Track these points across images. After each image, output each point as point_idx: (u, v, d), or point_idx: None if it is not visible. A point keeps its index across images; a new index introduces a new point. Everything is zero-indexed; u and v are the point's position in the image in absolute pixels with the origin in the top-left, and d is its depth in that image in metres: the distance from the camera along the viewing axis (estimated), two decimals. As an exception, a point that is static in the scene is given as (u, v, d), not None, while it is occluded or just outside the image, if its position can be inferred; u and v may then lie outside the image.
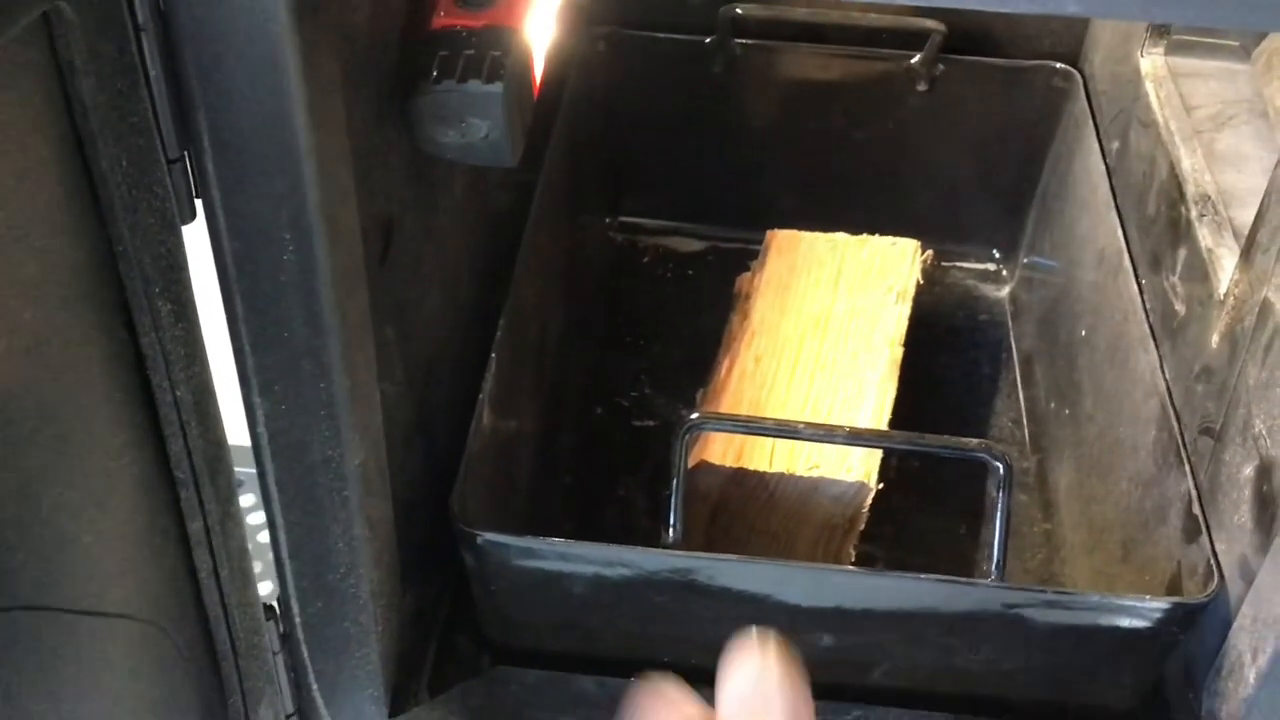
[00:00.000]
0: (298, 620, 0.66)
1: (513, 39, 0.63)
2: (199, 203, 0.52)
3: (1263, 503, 0.65)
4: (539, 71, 0.68)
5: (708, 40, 1.11)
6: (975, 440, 0.72)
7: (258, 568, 0.66)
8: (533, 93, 0.66)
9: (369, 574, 0.64)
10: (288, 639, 0.67)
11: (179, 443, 0.55)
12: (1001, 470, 0.69)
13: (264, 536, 0.64)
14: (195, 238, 0.53)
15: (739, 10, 1.08)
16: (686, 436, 0.72)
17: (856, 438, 0.78)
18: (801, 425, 0.72)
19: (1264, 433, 0.66)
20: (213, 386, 0.55)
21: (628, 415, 1.03)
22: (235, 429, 0.59)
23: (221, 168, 0.51)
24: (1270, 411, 0.65)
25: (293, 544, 0.63)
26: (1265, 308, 0.67)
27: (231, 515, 0.59)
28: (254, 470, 0.60)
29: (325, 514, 0.61)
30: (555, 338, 1.00)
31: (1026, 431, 1.03)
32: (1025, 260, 1.14)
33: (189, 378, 0.53)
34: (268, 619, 0.66)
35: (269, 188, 0.51)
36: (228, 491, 0.58)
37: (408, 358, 0.69)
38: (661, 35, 1.11)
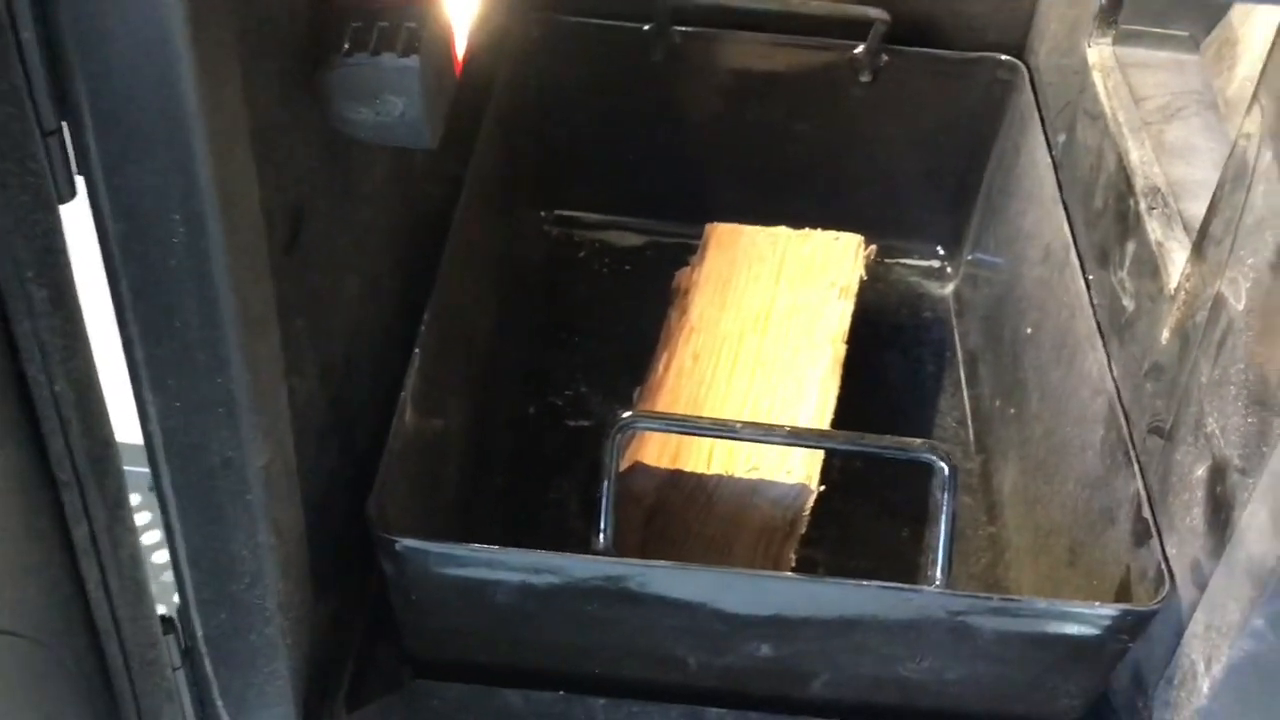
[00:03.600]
0: (199, 634, 0.62)
1: (431, 11, 0.59)
2: (79, 180, 0.47)
3: (1216, 504, 0.62)
4: (461, 48, 0.64)
5: (646, 28, 1.07)
6: (919, 440, 0.69)
7: (165, 578, 0.61)
8: (454, 69, 0.62)
9: (276, 584, 0.60)
10: (189, 654, 0.63)
11: (59, 441, 0.50)
12: (946, 471, 0.66)
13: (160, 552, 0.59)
14: (77, 218, 0.49)
15: (678, -4, 1.05)
16: (619, 436, 0.69)
17: (797, 437, 0.75)
18: (739, 425, 0.69)
19: (1217, 431, 0.63)
20: (97, 380, 0.51)
21: (562, 414, 0.99)
22: (128, 427, 0.55)
23: (104, 141, 0.46)
24: (1223, 409, 0.63)
25: (192, 552, 0.59)
26: (1218, 302, 0.65)
27: (121, 520, 0.55)
28: (146, 471, 0.56)
29: (227, 520, 0.57)
30: (486, 334, 0.96)
31: (971, 431, 1.00)
32: (969, 257, 1.12)
33: (69, 371, 0.49)
34: (166, 633, 0.61)
35: (156, 163, 0.47)
36: (116, 494, 0.54)
37: (321, 352, 0.65)
38: (599, 22, 1.08)
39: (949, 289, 1.13)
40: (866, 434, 0.71)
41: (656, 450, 0.80)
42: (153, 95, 0.45)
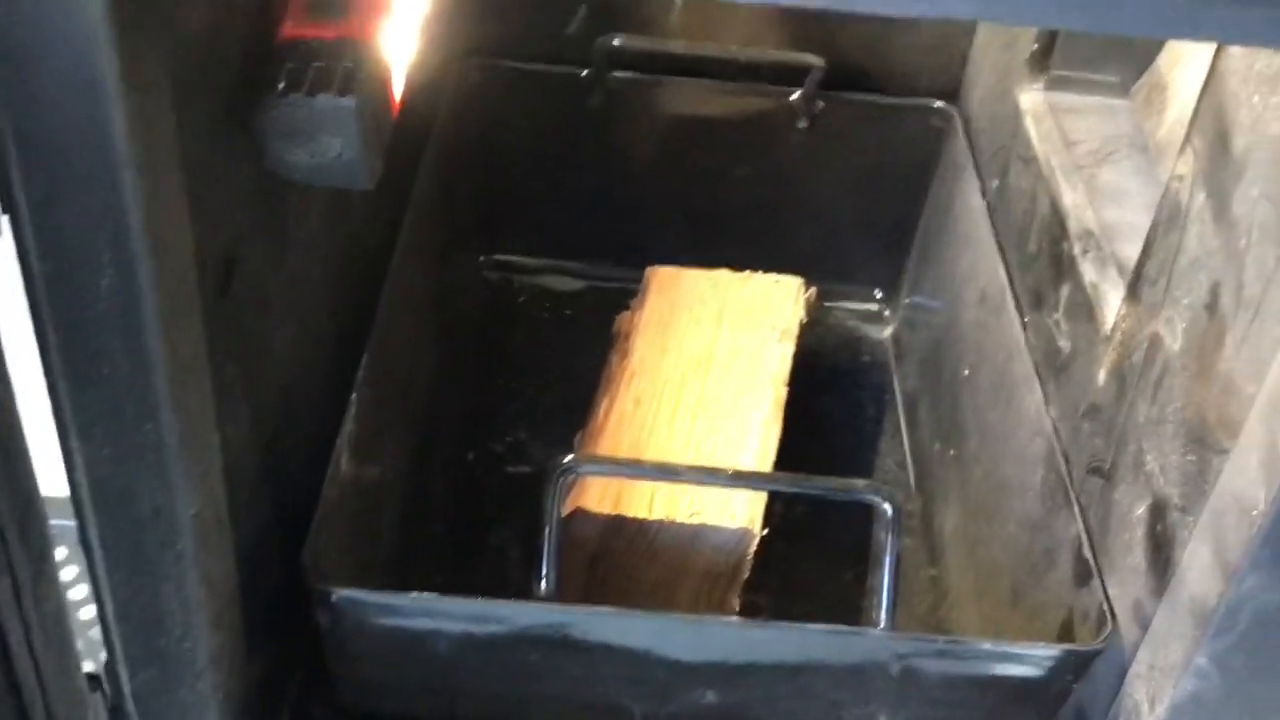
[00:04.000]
0: (127, 690, 0.60)
1: (367, 52, 0.58)
2: (4, 219, 0.46)
3: (1156, 544, 0.63)
4: (399, 89, 0.63)
5: (584, 73, 1.07)
6: (862, 481, 0.69)
7: (93, 634, 0.59)
8: (391, 110, 0.62)
9: (207, 637, 0.58)
10: (117, 712, 0.61)
11: (-20, 493, 0.48)
12: (889, 512, 0.66)
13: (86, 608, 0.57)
14: (1, 259, 0.47)
15: (616, 42, 1.05)
16: (560, 481, 0.68)
17: (740, 480, 0.74)
18: (682, 468, 0.68)
19: (1156, 471, 0.64)
20: (20, 428, 0.49)
21: (502, 461, 0.98)
22: (52, 477, 0.53)
23: (30, 181, 0.45)
24: (1162, 448, 0.63)
25: (119, 605, 0.57)
26: (1154, 342, 0.65)
27: (45, 574, 0.53)
28: (74, 523, 0.54)
29: (156, 572, 0.55)
30: (425, 380, 0.95)
31: (911, 473, 1.00)
32: (907, 300, 1.13)
33: (-10, 419, 0.47)
34: (93, 690, 0.59)
35: (85, 204, 0.45)
36: (41, 547, 0.52)
37: (255, 398, 0.64)
38: (536, 67, 1.08)
39: (887, 332, 1.14)
40: (810, 476, 0.70)
41: (598, 495, 0.79)
42: (81, 135, 0.44)
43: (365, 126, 0.57)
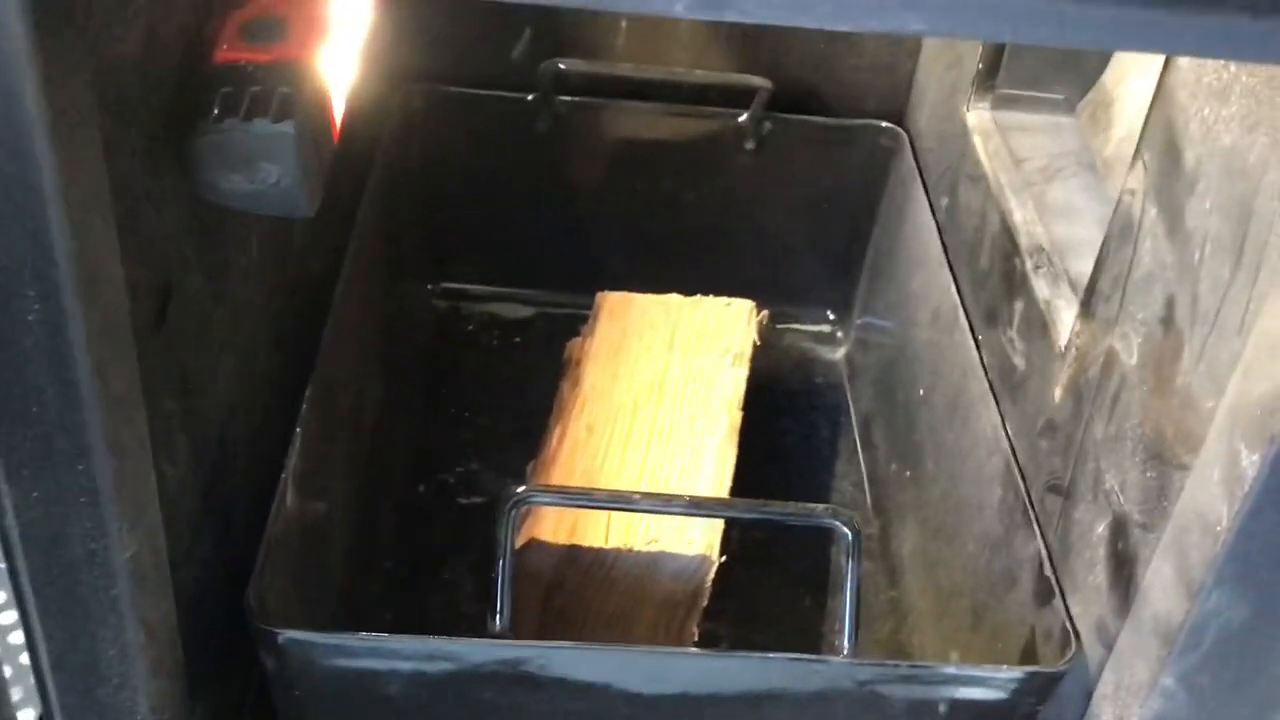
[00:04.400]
0: (63, 742, 0.57)
1: (305, 75, 0.56)
2: (-79, 254, 0.44)
3: (1118, 562, 0.62)
4: (339, 114, 0.62)
5: (530, 98, 1.06)
6: (821, 506, 0.67)
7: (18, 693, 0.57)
8: (331, 136, 0.60)
9: (147, 685, 0.56)
10: (52, 764, 0.58)
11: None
12: (850, 536, 0.65)
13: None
14: (-80, 296, 0.45)
15: (562, 66, 1.04)
16: (514, 512, 0.66)
17: (697, 507, 0.73)
18: (638, 496, 0.66)
19: (1115, 488, 0.63)
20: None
21: (453, 493, 0.96)
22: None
23: (-51, 211, 0.43)
24: (1120, 465, 0.63)
25: (55, 654, 0.54)
26: (1110, 358, 0.65)
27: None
28: (3, 567, 0.51)
29: (91, 617, 0.53)
30: (372, 411, 0.93)
31: (868, 495, 1.00)
32: (859, 321, 1.12)
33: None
34: (26, 743, 0.56)
35: (9, 236, 0.43)
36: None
37: (194, 434, 0.61)
38: (481, 92, 1.06)
39: (840, 354, 1.13)
40: (769, 501, 0.69)
41: (552, 526, 0.77)
42: (3, 163, 0.42)
43: (304, 152, 0.55)
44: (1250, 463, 0.50)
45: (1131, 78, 0.85)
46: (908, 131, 1.06)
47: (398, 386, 0.99)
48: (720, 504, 0.78)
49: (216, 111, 0.54)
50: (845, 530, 0.64)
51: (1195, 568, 0.54)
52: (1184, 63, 0.59)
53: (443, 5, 1.03)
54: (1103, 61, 0.89)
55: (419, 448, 0.99)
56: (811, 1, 0.39)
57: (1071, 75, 0.91)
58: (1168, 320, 0.59)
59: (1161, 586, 0.56)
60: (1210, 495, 0.53)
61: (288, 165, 0.55)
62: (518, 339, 1.11)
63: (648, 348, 0.95)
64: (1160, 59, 0.64)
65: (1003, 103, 0.92)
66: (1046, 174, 0.86)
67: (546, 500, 0.73)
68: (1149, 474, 0.60)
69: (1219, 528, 0.53)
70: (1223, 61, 0.55)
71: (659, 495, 0.73)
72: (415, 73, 1.05)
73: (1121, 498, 0.63)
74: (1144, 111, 0.64)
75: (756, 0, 0.39)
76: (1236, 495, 0.51)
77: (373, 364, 0.95)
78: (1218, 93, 0.56)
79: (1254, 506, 0.51)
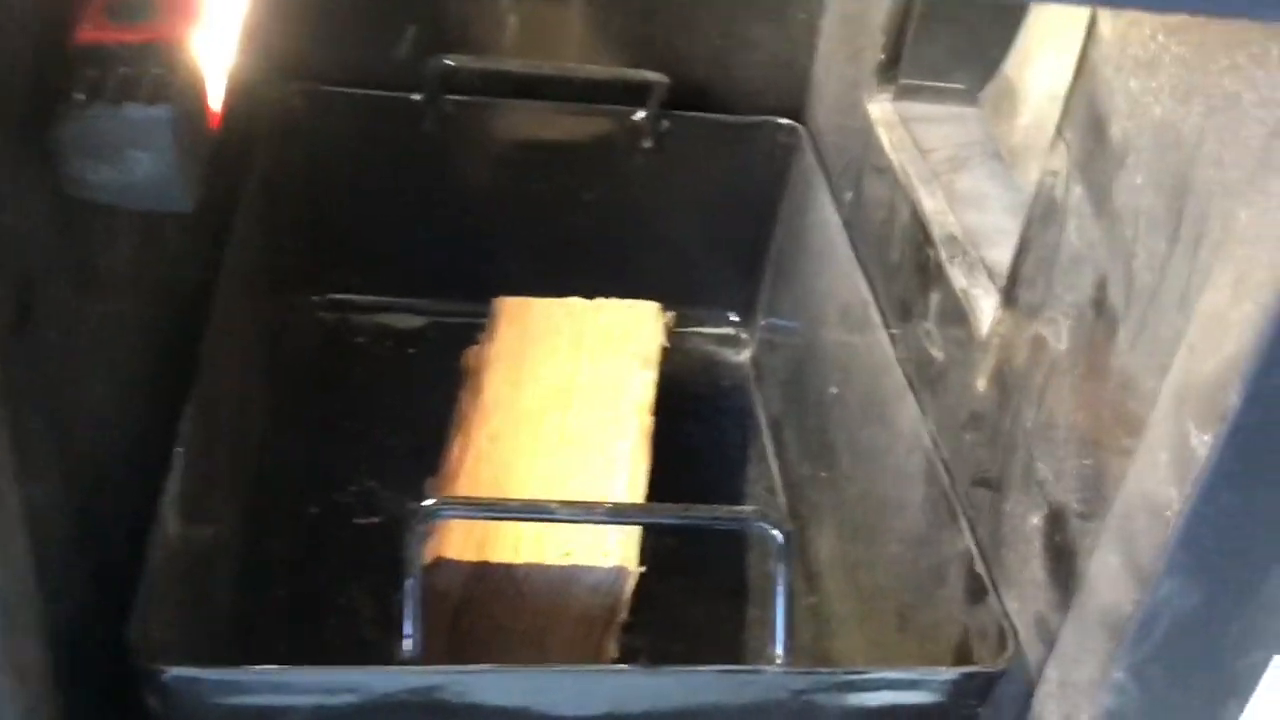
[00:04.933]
0: (-79, 806, 0.51)
1: (179, 57, 0.51)
2: None
3: (1057, 554, 0.60)
4: (217, 101, 0.56)
5: (416, 97, 1.02)
6: (749, 509, 0.64)
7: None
8: (208, 123, 0.55)
9: (17, 736, 0.50)
10: (-92, 832, 0.51)
11: None
12: (780, 539, 0.62)
13: None
14: None
15: (449, 62, 0.99)
16: (421, 527, 0.61)
17: (619, 515, 0.69)
18: (555, 505, 0.62)
19: (1050, 478, 0.61)
20: None
21: (349, 513, 0.91)
22: None
23: None
24: (1054, 454, 0.61)
25: (-92, 706, 0.48)
26: (1038, 344, 0.63)
27: None
28: None
29: (-50, 664, 0.47)
30: (258, 429, 0.87)
31: (782, 499, 0.97)
32: (764, 322, 1.10)
33: None
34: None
35: None
36: None
37: (64, 453, 0.56)
38: (365, 92, 1.01)
39: (746, 355, 1.11)
40: (693, 506, 0.65)
41: (460, 542, 0.73)
42: None
43: (181, 139, 0.50)
44: (1202, 443, 0.48)
45: (1035, 65, 0.84)
46: (807, 127, 1.05)
47: (285, 402, 0.94)
48: (642, 510, 0.75)
49: (81, 96, 0.49)
50: (775, 533, 0.61)
51: (1144, 555, 0.52)
52: (1107, 35, 0.58)
53: (322, -1, 0.98)
54: (1004, 50, 0.88)
55: (310, 466, 0.93)
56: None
57: (973, 65, 0.90)
58: (1100, 301, 0.58)
59: (1108, 577, 0.54)
60: (1158, 479, 0.51)
61: (163, 153, 0.49)
62: (411, 349, 1.06)
63: (551, 353, 0.92)
64: (1071, 39, 0.63)
65: (905, 94, 0.91)
66: (954, 164, 0.84)
67: (458, 513, 0.68)
68: (1085, 461, 0.58)
69: (1168, 512, 0.51)
70: (1149, 30, 0.54)
71: (578, 504, 0.69)
72: (294, 70, 0.99)
73: (1057, 488, 0.61)
74: (1049, 99, 0.63)
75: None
76: (1188, 478, 0.49)
77: (257, 379, 0.89)
78: (1145, 64, 0.54)
79: (1207, 488, 0.49)
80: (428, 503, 0.61)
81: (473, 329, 0.99)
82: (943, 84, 0.91)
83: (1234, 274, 0.47)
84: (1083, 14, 0.65)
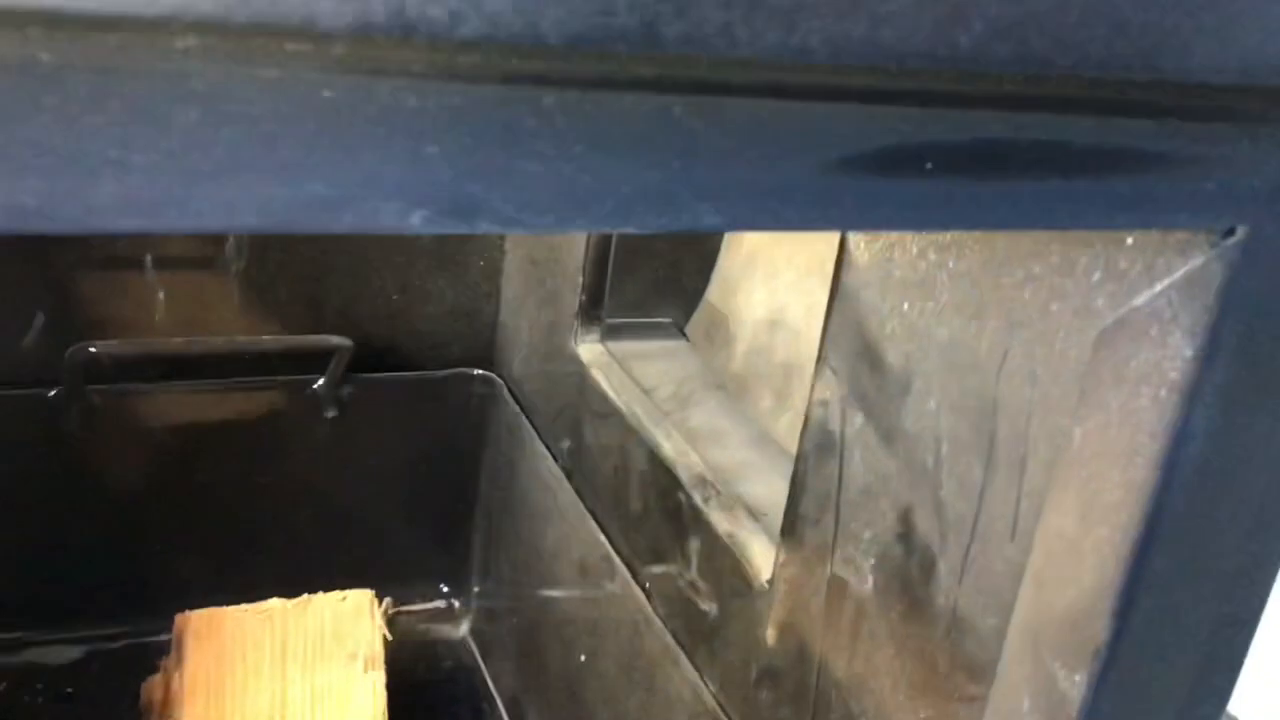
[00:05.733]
0: None
1: None
2: None
3: (907, 821, 0.54)
4: None
5: (53, 393, 0.88)
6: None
7: None
8: None
9: None
10: None
11: None
12: None
13: None
14: None
15: (92, 349, 0.87)
16: None
17: None
18: None
19: (878, 734, 0.55)
20: None
21: None
22: None
23: None
24: (880, 706, 0.55)
25: None
26: (836, 587, 0.58)
27: None
28: None
29: None
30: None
31: (541, 792, 0.86)
32: (478, 589, 1.00)
33: None
34: None
35: None
36: None
37: None
38: (-12, 392, 0.87)
39: (463, 630, 1.00)
40: None
41: None
42: None
43: None
44: (1074, 684, 0.44)
45: (741, 292, 0.82)
46: (501, 376, 0.99)
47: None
48: None
49: None
50: None
51: (1029, 817, 0.46)
52: (860, 260, 0.56)
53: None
54: (705, 279, 0.86)
55: None
56: (586, 201, 0.29)
57: (674, 297, 0.88)
58: (906, 535, 0.54)
59: (987, 846, 0.48)
60: (1024, 727, 0.46)
61: None
62: (69, 689, 0.89)
63: (255, 671, 0.78)
64: (772, 266, 0.60)
65: (612, 333, 0.87)
66: (680, 400, 0.80)
67: None
68: (923, 713, 0.53)
69: (1046, 764, 0.46)
70: (917, 250, 0.52)
71: None
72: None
73: (889, 745, 0.55)
74: (766, 325, 0.60)
75: (516, 204, 0.29)
76: (1062, 722, 0.45)
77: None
78: (917, 285, 0.52)
79: (1085, 732, 0.44)
80: None
81: (149, 654, 0.84)
82: (647, 319, 0.88)
83: (1078, 496, 0.44)
84: (784, 238, 0.63)
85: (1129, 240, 0.41)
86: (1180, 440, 0.39)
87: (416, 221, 0.28)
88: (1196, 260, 0.38)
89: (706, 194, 0.31)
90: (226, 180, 0.26)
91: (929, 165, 0.32)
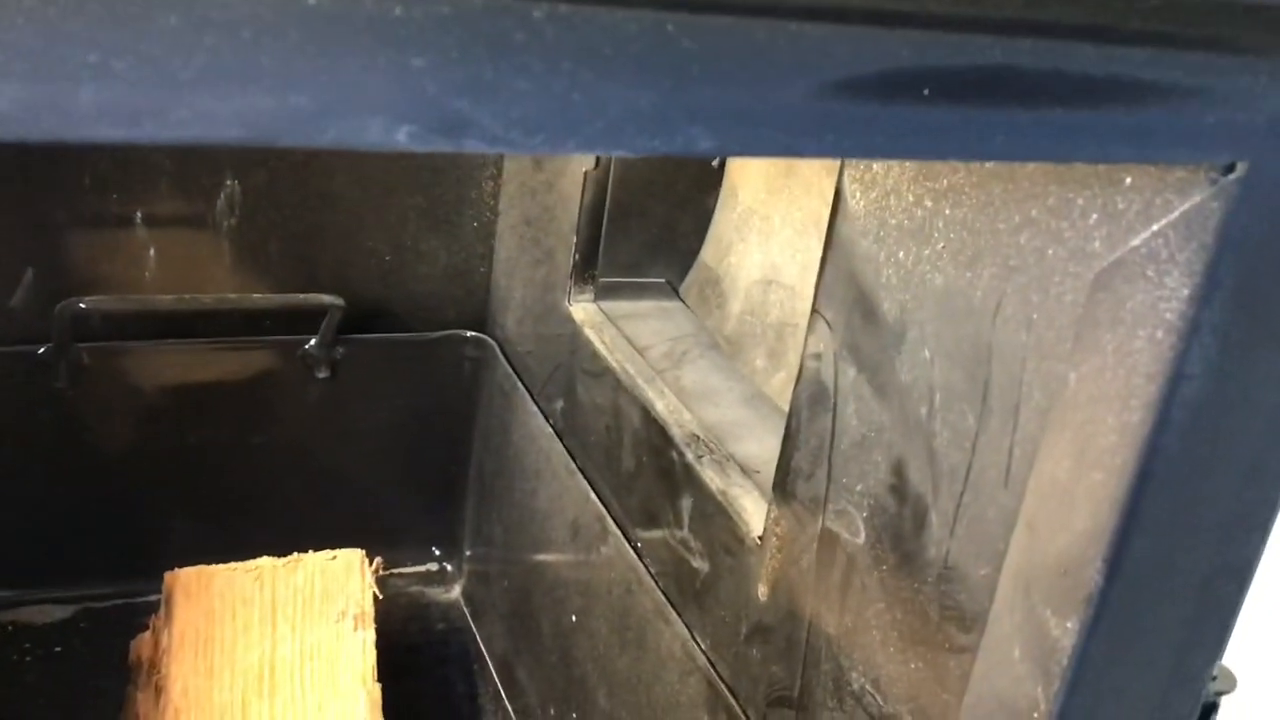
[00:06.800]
0: None
1: None
2: None
3: (897, 773, 0.53)
4: None
5: (43, 350, 0.87)
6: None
7: None
8: None
9: None
10: None
11: None
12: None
13: None
14: None
15: (82, 305, 0.86)
16: None
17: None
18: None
19: (868, 688, 0.55)
20: None
21: None
22: None
23: None
24: (869, 660, 0.55)
25: None
26: (828, 540, 0.58)
27: None
28: None
29: None
30: None
31: (531, 751, 0.86)
32: (471, 552, 1.00)
33: None
34: None
35: None
36: None
37: None
38: (-25, 349, 0.86)
39: (456, 592, 1.00)
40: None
41: None
42: None
43: None
44: (1065, 630, 0.44)
45: (735, 252, 0.82)
46: (494, 338, 0.98)
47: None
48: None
49: None
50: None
51: (1019, 766, 0.46)
52: (855, 208, 0.55)
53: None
54: (699, 240, 0.86)
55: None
56: (577, 120, 0.29)
57: (669, 256, 0.87)
58: (899, 487, 0.53)
59: (975, 794, 0.48)
60: (1014, 676, 0.46)
61: None
62: (58, 648, 0.88)
63: (245, 628, 0.78)
64: (767, 225, 0.60)
65: (606, 292, 0.86)
66: (673, 359, 0.80)
67: None
68: (914, 665, 0.52)
69: (1035, 713, 0.45)
70: (914, 198, 0.51)
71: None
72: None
73: (879, 697, 0.54)
74: (760, 284, 0.60)
75: (505, 122, 0.28)
76: (1053, 672, 0.44)
77: None
78: (913, 233, 0.51)
79: (1076, 680, 0.44)
80: None
81: (138, 612, 0.84)
82: (641, 279, 0.87)
83: (1073, 441, 0.43)
84: (781, 196, 0.63)
85: (1127, 180, 0.40)
86: (1176, 382, 0.39)
87: (402, 138, 0.27)
88: (1195, 198, 0.38)
89: (699, 116, 0.30)
90: (207, 89, 0.25)
91: (926, 91, 0.32)
